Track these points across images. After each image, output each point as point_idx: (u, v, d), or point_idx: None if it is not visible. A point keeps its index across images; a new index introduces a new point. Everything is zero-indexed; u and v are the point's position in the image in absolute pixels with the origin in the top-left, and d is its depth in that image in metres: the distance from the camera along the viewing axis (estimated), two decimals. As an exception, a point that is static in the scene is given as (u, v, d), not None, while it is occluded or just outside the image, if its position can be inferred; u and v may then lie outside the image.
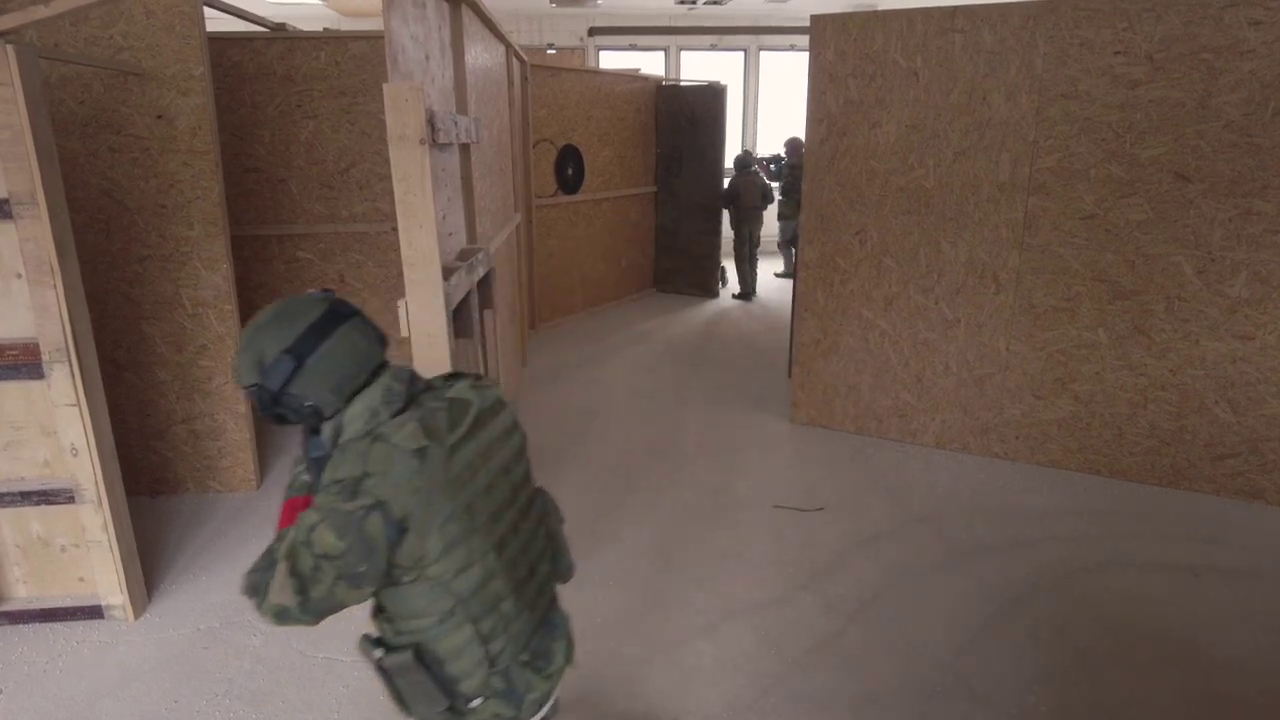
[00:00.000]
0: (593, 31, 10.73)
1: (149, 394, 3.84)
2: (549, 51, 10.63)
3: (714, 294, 8.35)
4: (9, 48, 2.47)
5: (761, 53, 11.22)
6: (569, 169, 7.14)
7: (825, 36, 4.27)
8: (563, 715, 2.45)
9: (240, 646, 2.82)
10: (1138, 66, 3.59)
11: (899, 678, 2.64)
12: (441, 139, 2.54)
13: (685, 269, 8.44)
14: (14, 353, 2.71)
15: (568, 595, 3.07)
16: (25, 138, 2.53)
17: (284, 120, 4.84)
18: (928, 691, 2.57)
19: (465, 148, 3.31)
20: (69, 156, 3.53)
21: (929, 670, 2.67)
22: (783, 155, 8.66)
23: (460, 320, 2.92)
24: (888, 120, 4.20)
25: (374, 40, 4.79)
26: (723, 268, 8.54)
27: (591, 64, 10.66)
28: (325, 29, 8.41)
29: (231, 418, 3.89)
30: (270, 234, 4.91)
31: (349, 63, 4.79)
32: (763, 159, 8.99)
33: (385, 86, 2.25)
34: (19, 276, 2.70)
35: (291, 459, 3.85)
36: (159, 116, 3.60)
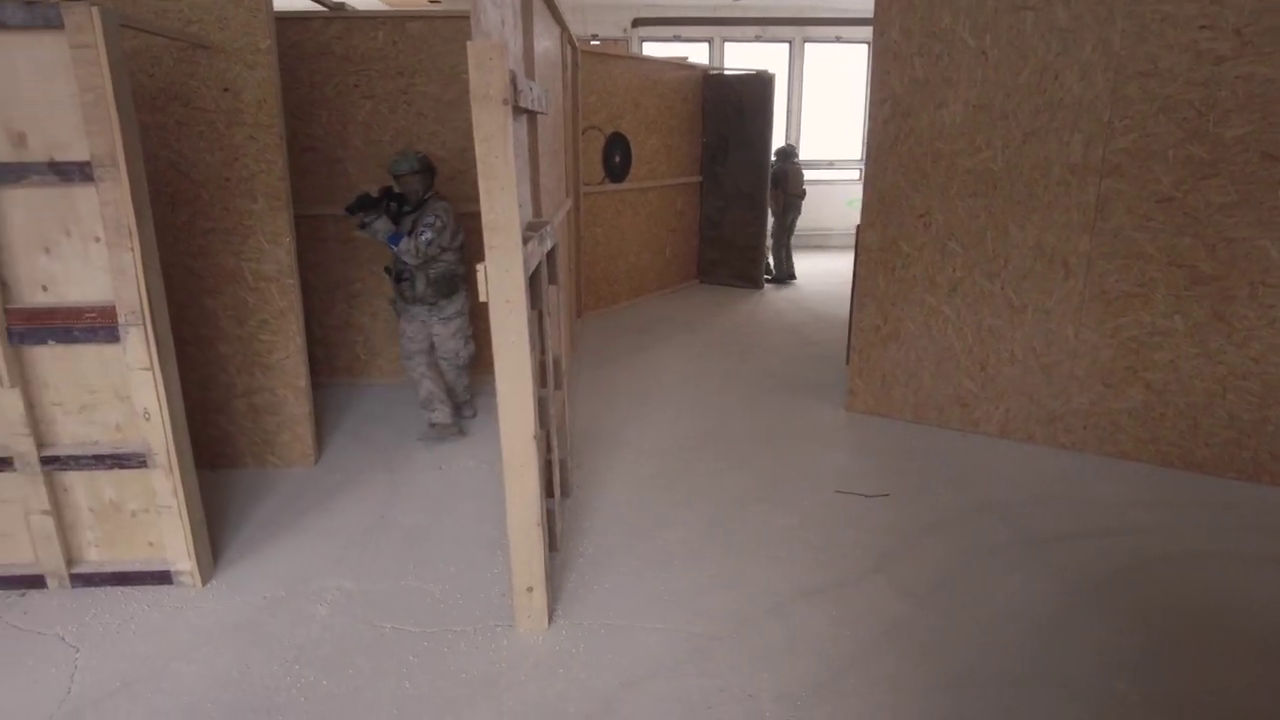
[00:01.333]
0: (637, 22, 10.69)
1: (210, 367, 3.86)
2: (593, 43, 10.60)
3: (758, 285, 8.28)
4: (94, 10, 2.48)
5: (806, 44, 11.10)
6: (616, 157, 7.11)
7: (890, 15, 4.19)
8: (627, 699, 2.42)
9: (307, 615, 2.81)
10: (1224, 41, 3.47)
11: (979, 663, 2.56)
12: (521, 101, 2.50)
13: (730, 259, 8.37)
14: (91, 315, 2.73)
15: (631, 572, 3.04)
16: (107, 100, 2.54)
17: (342, 100, 4.86)
18: (1010, 678, 2.49)
19: (533, 120, 3.27)
20: (138, 128, 3.56)
21: (1010, 657, 2.59)
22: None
23: (532, 291, 2.88)
24: (954, 100, 4.10)
25: (431, 20, 4.80)
26: (766, 261, 8.49)
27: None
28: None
29: (291, 392, 3.90)
30: (327, 213, 4.93)
31: (406, 43, 4.79)
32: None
33: (469, 44, 2.22)
34: (97, 240, 2.72)
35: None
36: (225, 90, 3.62)
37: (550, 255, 3.29)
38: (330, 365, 5.20)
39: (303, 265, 4.75)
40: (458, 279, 4.19)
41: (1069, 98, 3.82)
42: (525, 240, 2.56)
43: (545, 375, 3.06)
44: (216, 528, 3.35)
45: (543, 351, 3.07)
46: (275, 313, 3.81)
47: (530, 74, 3.32)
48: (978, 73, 4.00)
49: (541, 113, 3.26)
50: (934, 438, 4.35)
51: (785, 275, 8.67)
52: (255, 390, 3.90)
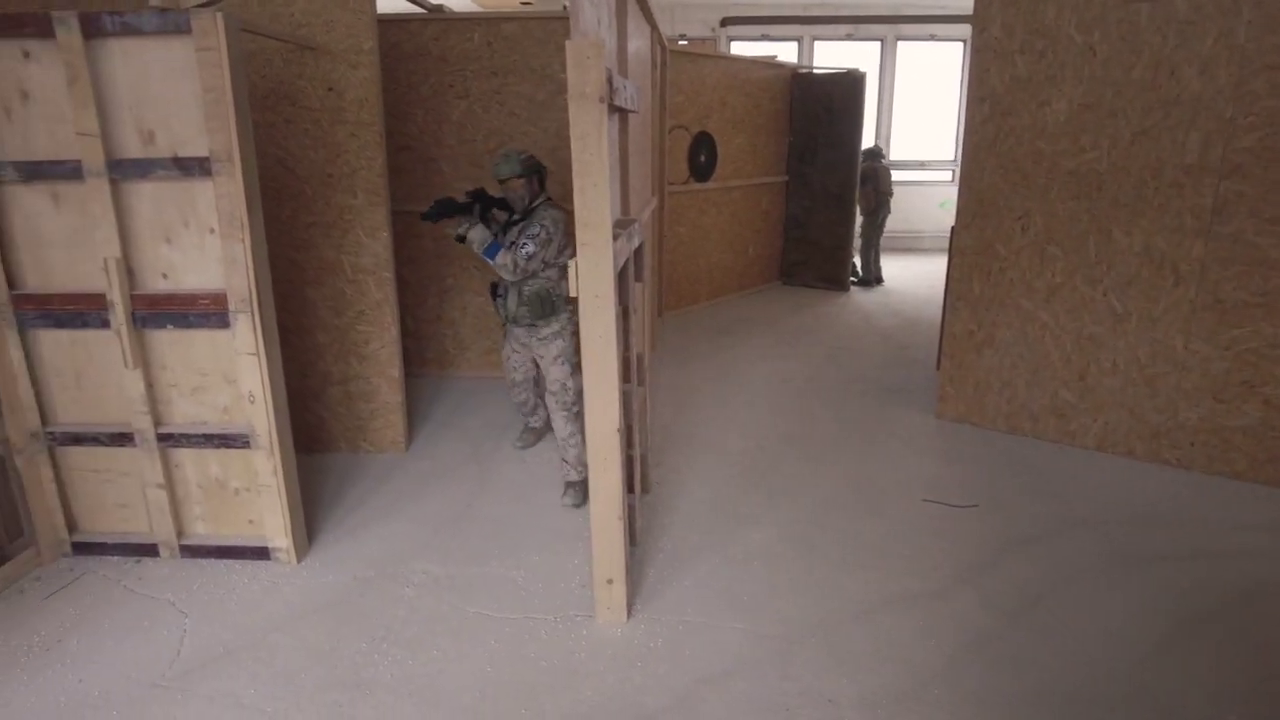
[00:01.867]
0: (725, 22, 10.64)
1: (309, 355, 4.04)
2: (680, 42, 10.61)
3: (844, 287, 8.13)
4: (219, 15, 2.63)
5: (899, 43, 10.85)
6: (702, 156, 7.10)
7: (991, 11, 4.05)
8: (705, 696, 2.42)
9: (395, 596, 2.91)
10: (1363, 34, 3.23)
11: (1071, 682, 2.45)
12: (616, 100, 2.53)
13: (815, 260, 8.25)
14: (205, 302, 2.89)
15: (710, 571, 3.04)
16: (227, 99, 2.69)
17: (437, 100, 5.00)
18: (1106, 700, 2.38)
19: (624, 118, 3.30)
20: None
21: (1105, 678, 2.47)
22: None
23: (619, 288, 2.91)
24: (1058, 99, 3.94)
25: (525, 22, 4.89)
26: (853, 263, 8.33)
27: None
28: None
29: (385, 381, 4.04)
30: (420, 211, 5.06)
31: (501, 44, 4.89)
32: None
33: (568, 43, 2.26)
34: (212, 231, 2.87)
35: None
36: (330, 89, 3.78)
37: (637, 253, 3.31)
38: (421, 357, 5.36)
39: (397, 260, 4.88)
40: (557, 299, 3.63)
41: (1186, 94, 3.62)
42: (614, 237, 2.59)
43: (629, 371, 3.09)
44: (311, 509, 3.50)
45: (627, 347, 3.09)
46: (372, 304, 3.96)
47: (623, 72, 3.35)
48: (1084, 70, 3.83)
49: (633, 111, 3.29)
50: (1027, 448, 4.19)
51: (873, 278, 8.50)
52: (351, 378, 4.05)
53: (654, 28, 5.32)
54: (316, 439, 4.16)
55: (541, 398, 3.95)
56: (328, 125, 3.81)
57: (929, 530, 3.38)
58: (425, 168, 5.09)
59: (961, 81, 10.63)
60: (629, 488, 3.19)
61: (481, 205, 3.60)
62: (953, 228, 4.49)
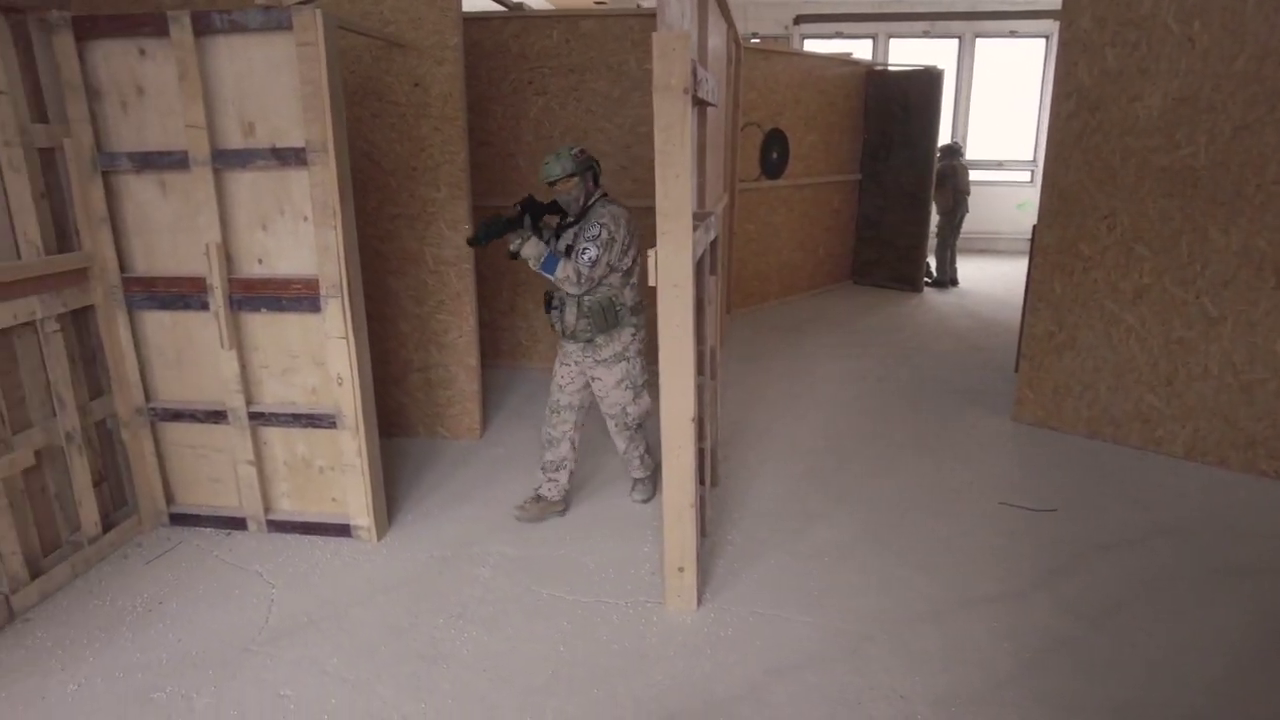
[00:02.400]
0: (798, 20, 10.56)
1: (390, 343, 4.17)
2: (753, 41, 10.57)
3: (917, 288, 7.98)
4: (318, 12, 2.75)
5: (978, 40, 10.59)
6: (774, 153, 7.06)
7: (1081, 3, 3.93)
8: (775, 686, 2.42)
9: (471, 576, 2.99)
10: None
11: (1154, 692, 2.37)
12: (699, 91, 2.55)
13: (888, 260, 8.12)
14: (298, 287, 3.02)
15: (780, 565, 3.03)
16: (323, 92, 2.81)
17: (516, 97, 5.10)
18: (1191, 711, 2.29)
19: (703, 112, 3.32)
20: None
21: (1190, 690, 2.38)
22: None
23: (696, 279, 2.93)
24: (1151, 92, 3.80)
25: (604, 19, 4.94)
26: (927, 263, 8.17)
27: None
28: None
29: (463, 370, 4.14)
30: (499, 205, 5.16)
31: (579, 41, 4.96)
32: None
33: (654, 35, 2.29)
34: (305, 219, 3.00)
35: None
36: (416, 84, 3.89)
37: (712, 246, 3.33)
38: (495, 349, 5.48)
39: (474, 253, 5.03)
40: (621, 309, 3.15)
41: (1292, 88, 3.45)
42: (694, 228, 2.61)
43: (701, 363, 3.11)
44: (391, 490, 3.62)
45: (700, 340, 3.11)
46: (452, 295, 4.07)
47: (704, 65, 3.37)
48: (1181, 62, 3.69)
49: (713, 105, 3.30)
50: (1109, 454, 4.05)
51: (948, 279, 8.31)
52: (430, 366, 4.17)
53: (730, 24, 5.32)
54: (396, 424, 4.30)
55: (581, 426, 3.45)
56: (413, 120, 3.93)
57: (1005, 533, 3.30)
58: (503, 163, 5.20)
59: (1043, 79, 10.32)
60: (699, 479, 3.21)
61: (531, 215, 3.16)
62: (1034, 226, 4.37)
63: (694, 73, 2.37)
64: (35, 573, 2.87)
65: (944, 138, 8.76)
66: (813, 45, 10.80)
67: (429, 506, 3.53)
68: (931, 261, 8.37)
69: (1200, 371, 3.87)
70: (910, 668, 2.48)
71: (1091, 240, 4.06)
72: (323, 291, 3.00)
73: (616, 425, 3.39)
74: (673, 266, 2.44)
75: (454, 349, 4.12)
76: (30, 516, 2.90)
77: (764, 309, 7.33)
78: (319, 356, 3.13)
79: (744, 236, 7.03)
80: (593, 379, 3.28)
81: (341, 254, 2.95)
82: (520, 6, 5.57)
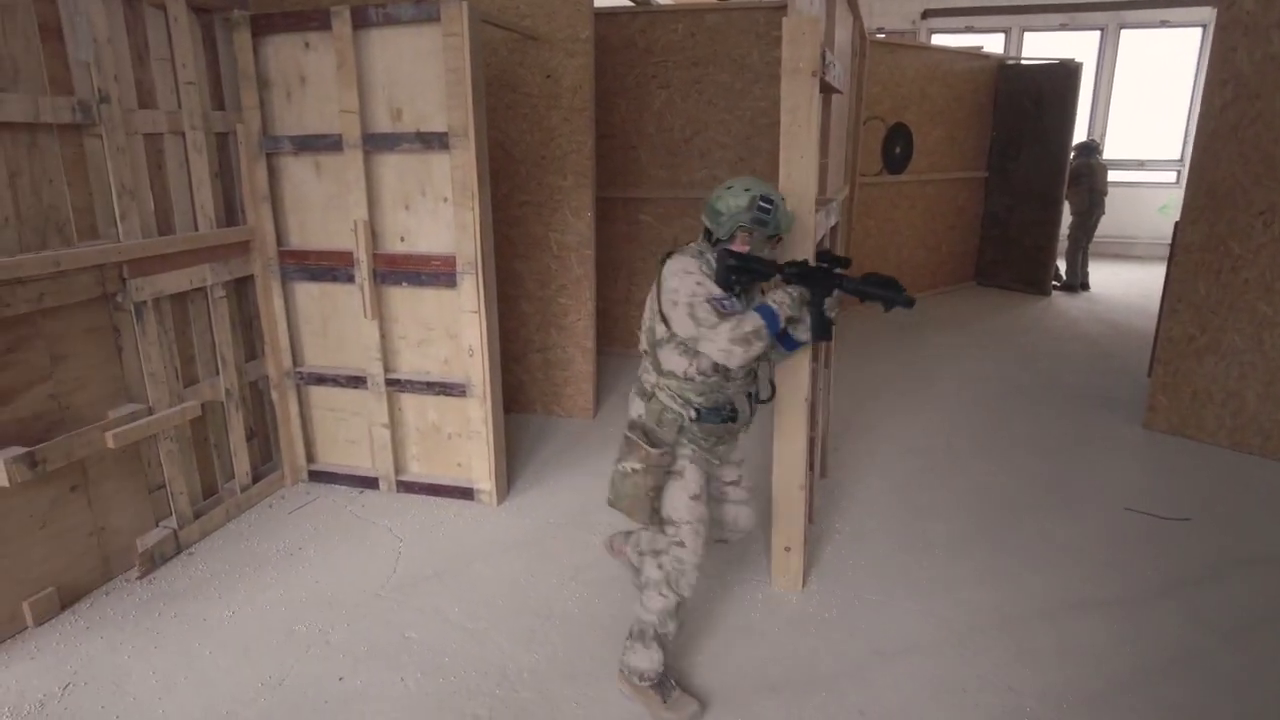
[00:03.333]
0: (926, 14, 10.28)
1: (514, 323, 4.37)
2: (878, 36, 10.36)
3: (1045, 291, 7.64)
4: (464, 5, 2.93)
5: (1122, 31, 10.00)
6: (897, 148, 6.93)
7: (1243, -16, 3.70)
8: (880, 667, 2.42)
9: (583, 542, 3.12)
10: None
11: (1296, 711, 2.24)
12: (828, 75, 2.58)
13: (1014, 261, 7.81)
14: (436, 263, 3.23)
15: (888, 554, 3.02)
16: (466, 80, 2.99)
17: (640, 90, 5.22)
18: (1337, 733, 2.16)
19: (828, 99, 3.33)
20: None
21: (1338, 712, 2.24)
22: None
23: (813, 263, 2.96)
24: (1320, 80, 3.54)
25: (729, 13, 5.00)
26: (1055, 265, 7.81)
27: (922, 47, 10.24)
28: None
29: (580, 351, 4.30)
30: (618, 196, 5.33)
31: (703, 34, 5.04)
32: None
33: (785, 20, 2.34)
34: (445, 200, 3.20)
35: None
36: (548, 76, 4.07)
37: (832, 231, 3.34)
38: (609, 335, 5.62)
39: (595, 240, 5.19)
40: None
41: None
42: (815, 211, 2.64)
43: (815, 349, 3.12)
44: (510, 460, 3.79)
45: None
46: (573, 279, 4.23)
47: (831, 49, 3.38)
48: (1356, 47, 3.43)
49: (838, 91, 3.31)
50: (1254, 467, 3.80)
51: (1078, 283, 7.92)
52: (550, 347, 4.35)
53: (857, 17, 5.27)
54: (516, 400, 4.50)
55: None
56: (544, 110, 4.10)
57: (1130, 539, 3.17)
58: (625, 155, 5.34)
59: (1197, 71, 9.64)
60: (809, 465, 3.23)
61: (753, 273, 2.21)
62: (1175, 224, 4.14)
63: (823, 56, 2.41)
64: (198, 513, 3.19)
65: (1081, 135, 8.36)
66: (940, 40, 10.48)
67: (545, 477, 3.70)
68: (1061, 264, 7.99)
69: (1364, 383, 3.58)
70: (1021, 662, 2.43)
71: (1244, 238, 3.82)
72: (459, 268, 3.19)
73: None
74: (795, 248, 2.48)
75: (572, 331, 4.28)
76: (194, 463, 3.22)
77: (880, 307, 7.18)
78: (453, 329, 3.34)
79: (864, 232, 6.93)
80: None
81: (478, 234, 3.14)
82: (648, 2, 5.69)
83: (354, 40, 3.10)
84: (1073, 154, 7.54)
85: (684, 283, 2.10)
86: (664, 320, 2.16)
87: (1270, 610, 2.71)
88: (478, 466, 3.42)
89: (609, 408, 4.57)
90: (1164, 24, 9.76)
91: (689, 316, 2.06)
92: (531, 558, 3.02)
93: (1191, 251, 3.99)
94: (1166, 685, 2.35)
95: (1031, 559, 3.02)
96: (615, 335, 5.65)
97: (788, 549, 2.76)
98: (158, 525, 3.05)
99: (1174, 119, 10.09)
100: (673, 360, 2.21)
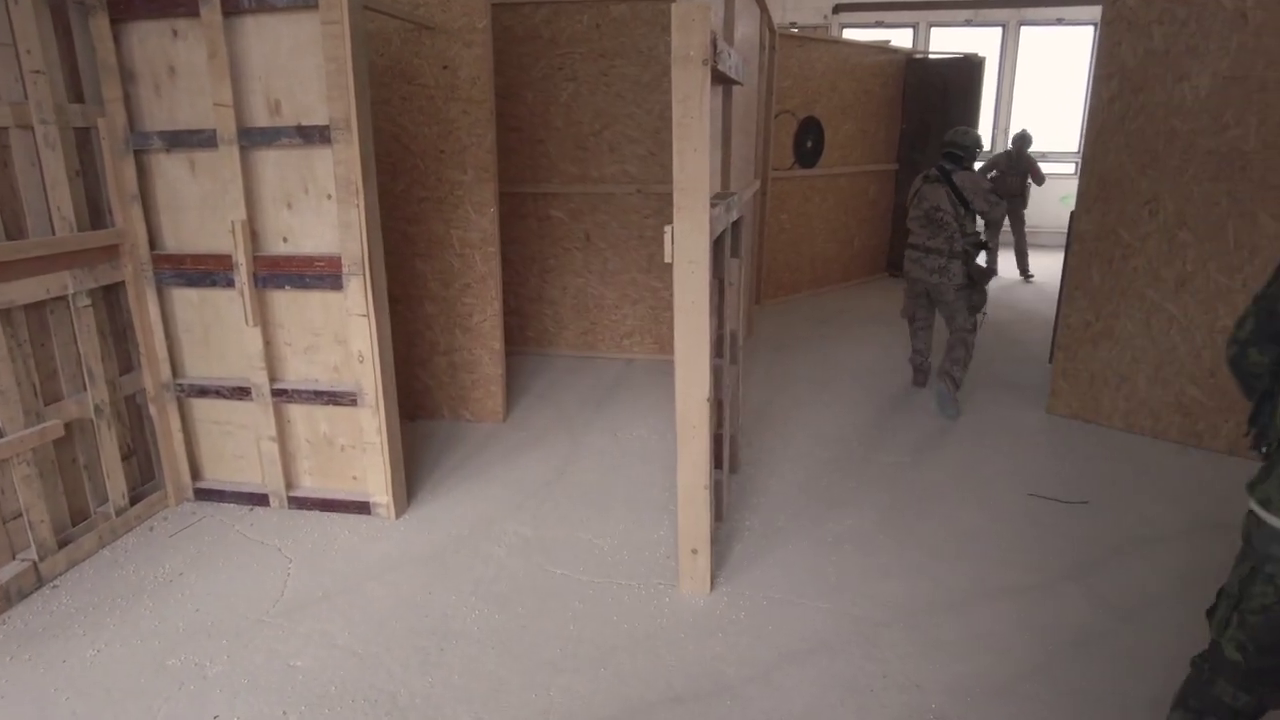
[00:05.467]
0: (838, 9, 10.42)
1: (416, 325, 4.19)
2: (791, 30, 10.44)
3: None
4: (340, -11, 2.75)
5: (1022, 28, 10.33)
6: (808, 142, 6.97)
7: (1128, -19, 3.80)
8: (787, 670, 2.37)
9: (486, 554, 2.99)
10: None
11: (1187, 690, 2.28)
12: (720, 64, 2.50)
13: (923, 253, 7.95)
14: (321, 264, 3.04)
15: (798, 551, 2.98)
16: (347, 70, 2.82)
17: (546, 83, 5.09)
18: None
19: (728, 91, 3.27)
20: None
21: (1226, 688, 2.28)
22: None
23: (715, 259, 2.89)
24: (1199, 72, 3.66)
25: (634, 4, 4.91)
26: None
27: (834, 42, 10.38)
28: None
29: (487, 353, 4.15)
30: (526, 191, 5.19)
31: (609, 26, 4.94)
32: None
33: (674, 6, 2.25)
34: (329, 197, 3.02)
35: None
36: (445, 67, 3.90)
37: (735, 226, 3.28)
38: (522, 335, 5.49)
39: (502, 240, 5.02)
40: None
41: (1349, 66, 3.29)
42: (713, 205, 2.57)
43: (721, 346, 3.07)
44: (413, 470, 3.64)
45: (720, 322, 3.07)
46: (477, 278, 4.08)
47: (728, 40, 3.32)
48: (1232, 40, 3.54)
49: (738, 83, 3.25)
50: (1146, 448, 3.92)
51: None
52: (455, 349, 4.19)
53: (764, 10, 5.25)
54: (422, 405, 4.32)
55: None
56: (441, 102, 3.94)
57: (1033, 524, 3.21)
58: (532, 149, 5.20)
59: (1090, 68, 10.03)
60: (717, 464, 3.17)
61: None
62: (1070, 213, 4.24)
63: (714, 44, 2.33)
64: (63, 541, 2.93)
65: (987, 128, 8.59)
66: (851, 35, 10.64)
67: (449, 486, 3.55)
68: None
69: (1246, 364, 3.71)
70: (927, 656, 2.41)
71: (1132, 226, 3.93)
72: (345, 269, 3.02)
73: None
74: (689, 243, 2.40)
75: (479, 332, 4.13)
76: (60, 486, 2.96)
77: (796, 300, 7.24)
78: (341, 334, 3.16)
79: (776, 226, 6.95)
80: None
81: (364, 232, 2.96)
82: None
83: (226, 28, 2.89)
84: (1011, 145, 7.79)
85: None
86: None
87: (1165, 588, 2.77)
88: (374, 479, 3.25)
89: (521, 409, 4.44)
90: (1060, 21, 10.12)
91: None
92: (430, 574, 2.87)
93: (1086, 240, 4.09)
94: (1068, 669, 2.37)
95: (938, 549, 3.02)
96: (529, 335, 5.52)
97: (694, 551, 2.69)
98: (15, 558, 2.79)
99: (1073, 113, 10.47)
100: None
